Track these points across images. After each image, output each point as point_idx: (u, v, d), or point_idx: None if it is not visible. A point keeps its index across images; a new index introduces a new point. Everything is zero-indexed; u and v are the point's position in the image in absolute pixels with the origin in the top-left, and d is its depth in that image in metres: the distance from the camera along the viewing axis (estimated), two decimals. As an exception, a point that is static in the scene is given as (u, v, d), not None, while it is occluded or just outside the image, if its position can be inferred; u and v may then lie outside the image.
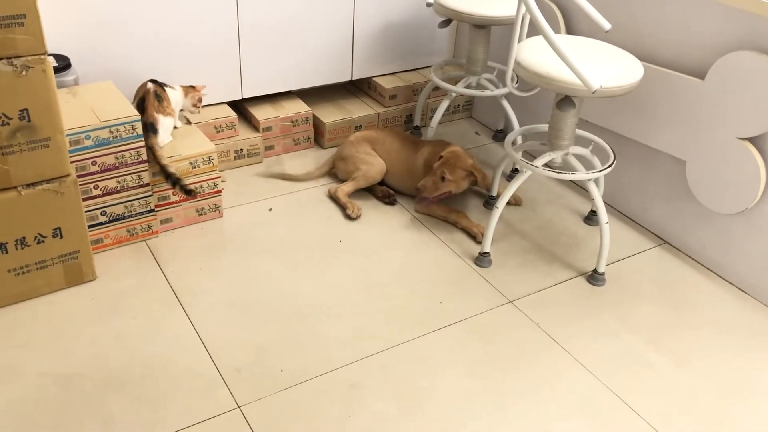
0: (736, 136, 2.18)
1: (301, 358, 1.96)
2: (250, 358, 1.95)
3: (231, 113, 2.76)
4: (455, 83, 2.84)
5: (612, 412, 1.86)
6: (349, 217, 2.53)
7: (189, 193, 2.28)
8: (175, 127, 2.45)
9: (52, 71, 1.84)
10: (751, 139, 2.16)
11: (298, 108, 2.93)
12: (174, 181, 2.26)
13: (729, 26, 2.14)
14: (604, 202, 2.71)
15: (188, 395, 1.82)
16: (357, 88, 3.26)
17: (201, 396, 1.82)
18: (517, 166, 2.88)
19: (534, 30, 2.08)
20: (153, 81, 2.39)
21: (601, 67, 2.06)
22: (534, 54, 2.10)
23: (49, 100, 1.87)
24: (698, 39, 2.24)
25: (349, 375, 1.91)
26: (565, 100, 2.10)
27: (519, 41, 2.17)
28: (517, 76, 2.64)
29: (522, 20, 2.14)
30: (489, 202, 2.69)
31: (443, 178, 2.47)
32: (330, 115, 3.00)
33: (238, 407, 1.80)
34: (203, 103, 2.61)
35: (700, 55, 2.25)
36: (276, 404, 1.81)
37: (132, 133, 2.18)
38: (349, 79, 3.08)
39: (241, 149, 2.80)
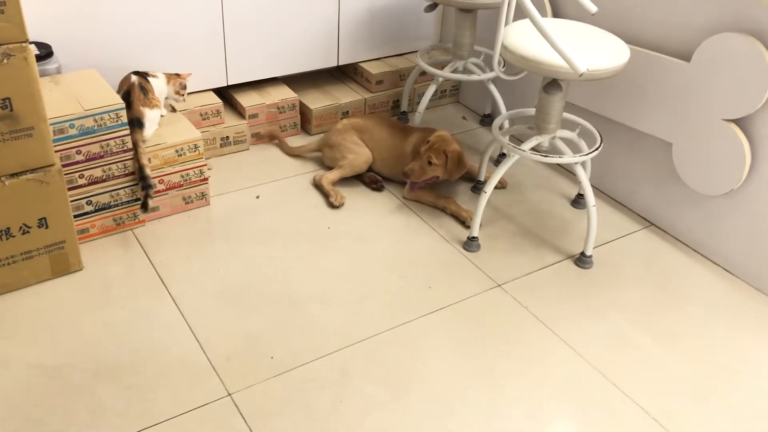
0: (721, 117, 2.19)
1: (290, 344, 1.96)
2: (239, 345, 1.95)
3: (217, 100, 2.74)
4: (442, 68, 2.83)
5: (600, 392, 1.87)
6: (332, 205, 2.52)
7: (144, 206, 2.25)
8: (161, 116, 2.43)
9: (34, 59, 1.82)
10: (736, 121, 2.17)
11: (284, 94, 2.91)
12: (145, 185, 2.24)
13: (714, 8, 2.14)
14: (592, 185, 2.72)
15: (178, 384, 1.82)
16: (343, 74, 3.24)
17: (191, 384, 1.82)
18: (505, 151, 2.88)
19: (520, 13, 2.08)
20: (136, 73, 2.36)
21: (588, 50, 2.06)
22: (521, 38, 2.10)
23: (31, 89, 1.85)
24: (684, 21, 2.24)
25: (339, 361, 1.92)
26: (552, 84, 2.10)
27: (505, 25, 2.16)
28: (504, 60, 2.63)
29: (508, 4, 2.13)
30: (477, 187, 2.69)
31: (430, 162, 2.46)
32: (316, 101, 2.99)
33: (229, 395, 1.80)
34: (188, 91, 2.59)
35: (685, 37, 2.25)
36: (266, 391, 1.81)
37: (117, 121, 2.16)
38: (335, 64, 3.06)
39: (227, 137, 2.78)
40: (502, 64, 2.28)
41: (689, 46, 2.24)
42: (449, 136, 2.55)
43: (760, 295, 2.25)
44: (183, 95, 2.50)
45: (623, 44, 2.14)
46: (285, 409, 1.77)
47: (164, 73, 2.46)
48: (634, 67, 2.38)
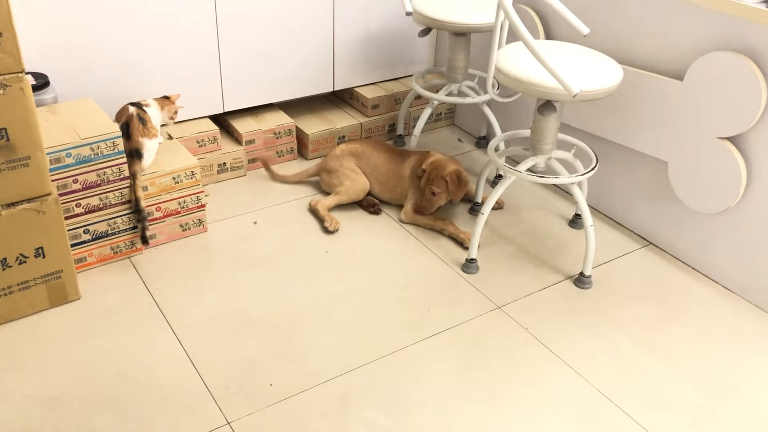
0: (716, 135, 2.20)
1: (290, 371, 1.95)
2: (238, 373, 1.93)
3: (213, 127, 2.75)
4: (437, 91, 2.85)
5: (602, 413, 1.86)
6: (326, 231, 2.52)
7: (144, 239, 2.28)
8: (159, 143, 2.44)
9: (30, 89, 1.83)
10: (731, 139, 2.18)
11: (280, 120, 2.93)
12: (140, 218, 2.26)
13: (705, 28, 2.16)
14: (589, 205, 2.73)
15: (177, 413, 1.80)
16: (339, 99, 3.26)
17: (190, 413, 1.80)
18: (501, 172, 2.89)
19: (514, 36, 2.09)
20: (132, 104, 2.38)
21: (581, 71, 2.07)
22: (514, 60, 2.11)
23: (27, 119, 1.85)
24: (676, 41, 2.26)
25: (338, 386, 1.90)
26: (547, 105, 2.11)
27: (498, 47, 2.18)
28: (498, 83, 2.65)
29: (501, 27, 2.15)
30: (474, 209, 2.69)
31: (433, 194, 2.48)
32: (313, 126, 3.00)
33: (228, 423, 1.78)
34: (184, 118, 2.60)
35: (678, 56, 2.27)
36: (266, 419, 1.80)
37: (113, 149, 2.16)
38: (331, 90, 3.08)
39: (224, 163, 2.78)
40: (497, 87, 2.29)
41: (682, 65, 2.26)
42: (443, 158, 2.56)
43: (761, 312, 2.24)
44: (174, 119, 2.51)
45: (616, 64, 2.15)
46: (285, 436, 1.75)
47: (155, 99, 2.46)
48: (627, 87, 2.40)
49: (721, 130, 2.18)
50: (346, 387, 1.90)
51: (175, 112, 2.50)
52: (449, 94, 2.83)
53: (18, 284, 2.02)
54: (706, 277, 2.39)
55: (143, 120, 2.33)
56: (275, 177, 2.80)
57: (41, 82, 2.30)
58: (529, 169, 2.27)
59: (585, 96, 2.00)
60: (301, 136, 2.99)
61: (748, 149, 2.16)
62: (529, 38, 1.93)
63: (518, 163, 2.29)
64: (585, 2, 2.51)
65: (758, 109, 2.06)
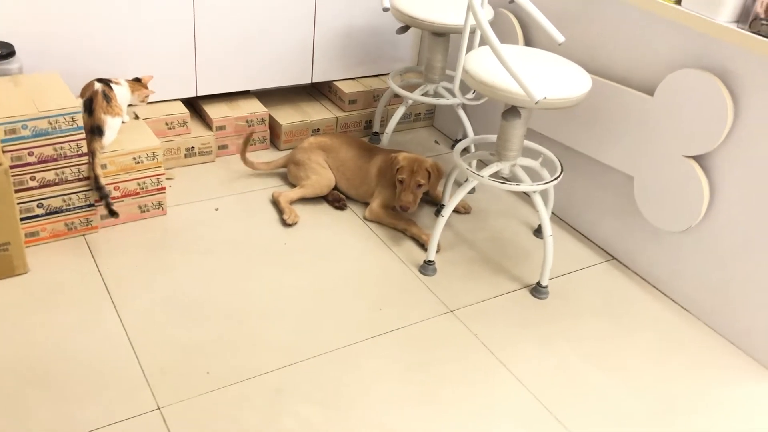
0: (682, 154, 2.17)
1: (230, 360, 1.92)
2: (176, 358, 1.91)
3: (183, 110, 2.72)
4: (414, 90, 2.82)
5: (542, 426, 1.83)
6: (284, 223, 2.49)
7: (112, 213, 2.26)
8: (123, 122, 2.41)
9: (-17, 57, 1.80)
10: (696, 158, 2.16)
11: (254, 108, 2.90)
12: (102, 195, 2.24)
13: (678, 44, 2.14)
14: (556, 215, 2.71)
15: (109, 394, 1.78)
16: (318, 92, 3.23)
17: (122, 395, 1.78)
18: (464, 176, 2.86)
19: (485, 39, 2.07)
20: (99, 80, 2.35)
21: (548, 78, 2.04)
22: (482, 63, 2.09)
23: (-21, 87, 1.82)
24: (649, 55, 2.24)
25: (276, 380, 1.88)
26: (511, 111, 2.08)
27: (470, 50, 2.16)
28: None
29: (472, 29, 2.12)
30: (440, 211, 2.66)
31: (419, 185, 2.46)
32: (287, 116, 2.97)
33: (158, 408, 1.75)
34: (156, 99, 2.57)
35: (651, 71, 2.25)
36: (197, 407, 1.77)
37: (72, 125, 2.14)
38: (308, 81, 3.06)
39: (193, 147, 2.76)
40: (474, 91, 2.27)
41: (654, 80, 2.24)
42: (413, 154, 2.53)
43: (714, 333, 2.22)
44: (145, 102, 2.49)
45: (586, 75, 2.13)
46: (214, 426, 1.73)
47: (127, 80, 2.44)
48: (599, 99, 2.37)
49: (687, 148, 2.15)
50: (283, 380, 1.88)
51: (147, 96, 2.48)
52: (425, 95, 2.81)
53: (-37, 254, 2.00)
54: (666, 296, 2.37)
55: (108, 97, 2.30)
56: (246, 161, 2.74)
57: (5, 51, 2.27)
58: (492, 175, 2.25)
59: (548, 104, 1.98)
60: (274, 126, 2.96)
61: (712, 169, 2.13)
62: (494, 41, 1.90)
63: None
64: (563, 11, 2.48)
65: (723, 130, 2.03)
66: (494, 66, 2.04)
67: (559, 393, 1.94)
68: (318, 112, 3.05)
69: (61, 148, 2.15)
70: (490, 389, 1.93)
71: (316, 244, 2.43)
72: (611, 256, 2.54)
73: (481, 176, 2.20)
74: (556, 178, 2.24)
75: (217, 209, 2.54)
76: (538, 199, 2.24)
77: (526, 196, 2.85)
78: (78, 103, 2.16)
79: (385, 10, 2.50)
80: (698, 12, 2.03)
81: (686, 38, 2.12)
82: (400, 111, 2.80)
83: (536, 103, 1.93)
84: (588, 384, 1.98)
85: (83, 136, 2.18)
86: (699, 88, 2.07)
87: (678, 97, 2.13)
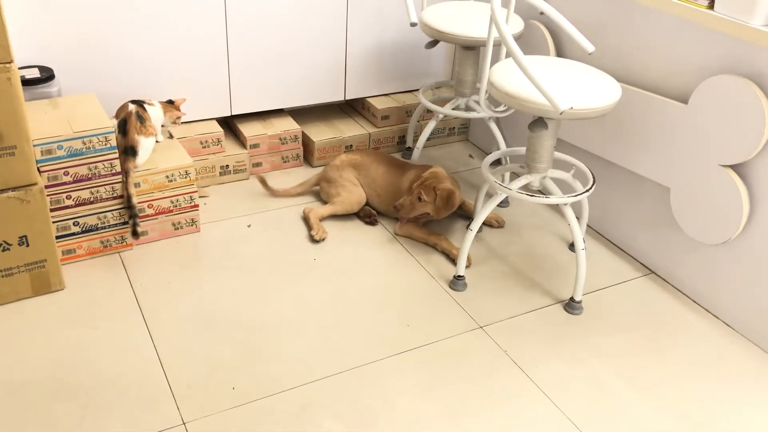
0: (719, 163, 2.10)
1: (256, 375, 1.92)
2: (203, 373, 1.92)
3: (218, 129, 2.76)
4: (446, 105, 2.81)
5: (570, 446, 1.78)
6: (312, 239, 2.49)
7: (135, 234, 2.29)
8: (157, 141, 2.46)
9: (18, 79, 1.86)
10: (734, 167, 2.08)
11: (287, 125, 2.93)
12: (132, 214, 2.28)
13: (712, 50, 2.08)
14: (592, 227, 2.65)
15: (135, 407, 1.80)
16: (351, 108, 3.25)
17: (147, 409, 1.80)
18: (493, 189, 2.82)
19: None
20: (133, 102, 2.41)
21: (576, 88, 2.01)
22: (507, 75, 2.06)
23: (14, 109, 1.89)
24: (682, 63, 2.18)
25: (301, 396, 1.87)
26: (537, 122, 2.05)
27: (493, 61, 2.14)
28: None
29: (497, 41, 2.10)
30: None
31: (420, 198, 2.43)
32: (320, 133, 2.99)
33: (183, 423, 1.77)
34: (191, 119, 2.62)
35: (684, 79, 2.18)
36: (222, 423, 1.78)
37: (106, 144, 2.19)
38: (342, 99, 3.07)
39: (227, 165, 2.80)
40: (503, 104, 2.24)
41: (687, 88, 2.17)
42: (443, 173, 2.51)
43: (756, 349, 2.12)
44: (178, 124, 2.53)
45: (615, 84, 2.08)
46: (237, 441, 1.73)
47: (160, 102, 2.49)
48: (632, 108, 2.32)
49: (723, 157, 2.08)
50: (308, 396, 1.87)
51: (178, 118, 2.52)
52: (456, 108, 2.79)
53: (1, 270, 2.06)
54: (706, 310, 2.28)
55: (141, 118, 2.36)
56: (275, 193, 2.75)
57: (46, 75, 2.35)
58: (522, 188, 2.21)
59: (575, 114, 1.94)
60: (307, 143, 2.98)
61: (751, 179, 2.05)
62: (517, 51, 1.87)
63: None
64: (594, 21, 2.44)
65: (762, 137, 1.96)
66: (519, 77, 2.01)
67: (592, 413, 1.88)
68: (351, 129, 3.06)
69: (96, 168, 2.21)
70: (520, 408, 1.88)
71: (345, 260, 2.42)
72: (649, 269, 2.46)
73: (510, 189, 2.17)
74: (587, 190, 2.19)
75: (249, 226, 2.57)
76: (569, 212, 2.19)
77: (560, 209, 2.79)
78: (111, 124, 2.21)
79: (413, 24, 2.50)
80: (732, 16, 1.97)
81: (720, 44, 2.05)
82: (431, 126, 2.79)
83: (561, 113, 1.89)
84: (622, 404, 1.92)
85: (117, 155, 2.23)
86: (735, 95, 2.00)
87: (713, 105, 2.06)
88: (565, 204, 2.18)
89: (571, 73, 2.11)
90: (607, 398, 1.93)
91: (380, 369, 1.98)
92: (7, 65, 1.84)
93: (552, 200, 2.16)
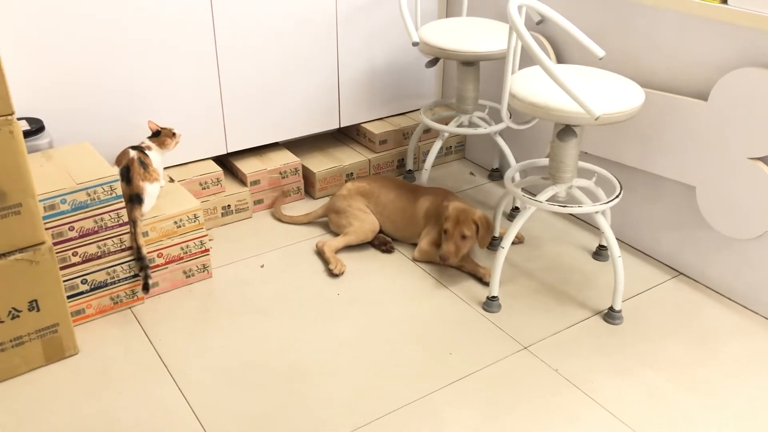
0: (747, 156, 2.07)
1: (299, 426, 1.80)
2: (246, 428, 1.78)
3: (216, 168, 2.64)
4: (446, 124, 2.75)
5: (647, 463, 1.70)
6: (331, 273, 2.38)
7: (146, 288, 2.16)
8: (161, 186, 2.33)
9: (20, 133, 1.73)
10: (763, 159, 2.06)
11: (285, 159, 2.82)
12: (143, 266, 2.15)
13: (729, 44, 2.06)
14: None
15: (181, 476, 1.65)
16: (346, 136, 3.16)
17: (195, 475, 1.65)
18: (518, 204, 2.77)
19: (524, 62, 1.99)
20: (133, 147, 2.28)
21: (601, 93, 1.96)
22: (528, 85, 2.01)
23: (18, 164, 1.75)
24: (697, 59, 2.16)
25: (357, 440, 1.75)
26: (566, 130, 1.99)
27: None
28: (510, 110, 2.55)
29: (515, 51, 2.05)
30: (492, 243, 2.56)
31: (463, 237, 2.32)
32: (320, 164, 2.90)
33: (237, 486, 1.63)
34: (187, 159, 2.49)
35: (700, 75, 2.16)
36: (278, 479, 1.65)
37: (111, 194, 2.05)
38: (336, 126, 2.99)
39: (229, 205, 2.67)
40: (509, 115, 2.18)
41: (705, 84, 2.15)
42: (462, 202, 2.40)
43: (807, 343, 2.09)
44: (179, 142, 2.41)
45: (636, 86, 2.05)
46: (300, 499, 1.60)
47: (151, 140, 2.35)
48: (648, 110, 2.29)
49: (752, 150, 2.05)
50: (364, 441, 1.75)
51: (174, 138, 2.37)
52: (459, 126, 2.73)
53: (10, 340, 1.90)
54: (743, 306, 2.24)
55: (144, 164, 2.23)
56: (283, 218, 2.68)
57: (36, 127, 2.21)
58: (549, 199, 2.15)
59: (607, 119, 1.89)
60: (307, 175, 2.88)
61: (782, 169, 2.03)
62: (546, 61, 1.82)
63: (535, 194, 2.16)
64: (598, 25, 2.42)
65: (791, 126, 1.94)
66: (542, 86, 1.96)
67: (652, 420, 1.81)
68: (349, 157, 2.97)
69: (101, 219, 2.07)
70: (582, 425, 1.80)
71: (369, 292, 2.32)
72: (678, 271, 2.42)
73: (540, 202, 2.10)
74: (617, 196, 2.14)
75: (262, 266, 2.44)
76: (602, 220, 2.13)
77: (576, 219, 2.74)
78: (114, 171, 2.08)
79: (415, 44, 2.44)
80: (747, 8, 1.96)
81: (735, 37, 2.04)
82: (437, 145, 2.72)
83: (596, 119, 1.84)
84: (681, 409, 1.85)
85: (123, 204, 2.09)
86: (758, 87, 1.98)
87: (736, 99, 2.04)
88: (598, 212, 2.12)
89: (592, 79, 2.07)
90: (667, 406, 1.86)
91: (432, 403, 1.87)
92: (8, 118, 1.70)
93: (585, 209, 2.10)
